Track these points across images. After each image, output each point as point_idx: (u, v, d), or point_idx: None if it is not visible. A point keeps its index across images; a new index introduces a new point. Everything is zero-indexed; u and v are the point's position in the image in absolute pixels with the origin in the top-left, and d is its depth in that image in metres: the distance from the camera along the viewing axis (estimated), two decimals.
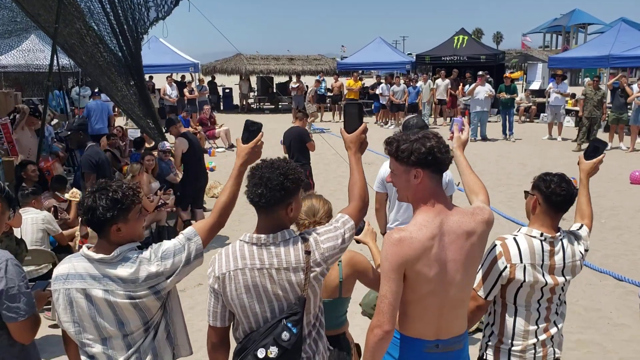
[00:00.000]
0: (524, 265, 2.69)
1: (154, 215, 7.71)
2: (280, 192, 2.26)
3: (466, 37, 22.95)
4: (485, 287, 2.73)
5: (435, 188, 2.43)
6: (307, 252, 2.30)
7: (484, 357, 2.86)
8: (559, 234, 2.78)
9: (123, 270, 2.32)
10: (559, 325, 2.85)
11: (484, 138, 16.23)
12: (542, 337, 2.77)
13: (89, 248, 2.41)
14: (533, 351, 2.76)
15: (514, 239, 2.75)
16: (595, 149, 3.08)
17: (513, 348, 2.77)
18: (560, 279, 2.76)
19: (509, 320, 2.78)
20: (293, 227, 2.54)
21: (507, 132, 16.25)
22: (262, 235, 2.31)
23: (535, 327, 2.77)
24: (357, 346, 3.15)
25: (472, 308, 2.71)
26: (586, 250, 2.89)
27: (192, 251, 2.43)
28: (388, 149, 2.47)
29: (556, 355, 2.85)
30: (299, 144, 7.92)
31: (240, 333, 2.38)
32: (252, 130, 2.61)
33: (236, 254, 2.32)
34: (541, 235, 2.74)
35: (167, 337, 2.51)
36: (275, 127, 15.65)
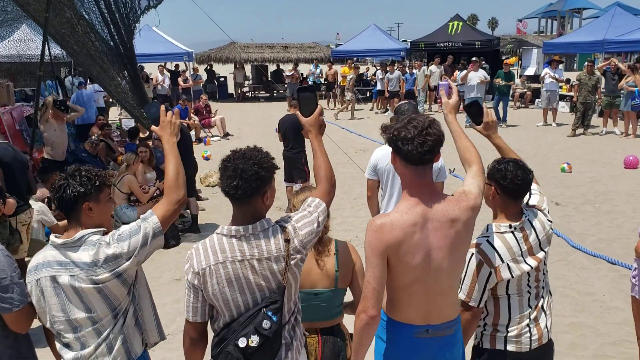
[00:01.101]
0: (507, 264, 2.68)
1: (149, 206, 7.69)
2: (256, 182, 2.24)
3: (461, 23, 22.89)
4: (476, 297, 2.71)
5: (414, 177, 2.41)
6: (287, 240, 2.29)
7: (480, 346, 2.86)
8: (524, 216, 2.78)
9: (84, 254, 2.34)
10: (546, 296, 2.86)
11: None
12: (534, 314, 2.79)
13: (56, 236, 2.42)
14: (528, 334, 2.76)
15: (487, 241, 2.72)
16: (475, 112, 2.99)
17: (509, 334, 2.77)
18: (541, 254, 2.77)
19: (504, 310, 2.78)
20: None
21: (501, 118, 16.18)
22: (241, 227, 2.28)
23: (529, 308, 2.78)
24: (352, 337, 3.17)
25: (468, 318, 2.71)
26: (549, 212, 2.90)
27: (149, 231, 2.41)
28: (383, 129, 2.50)
29: (550, 335, 2.87)
30: (294, 131, 7.92)
31: (219, 324, 2.36)
32: (154, 112, 2.65)
33: (215, 248, 2.29)
34: (510, 227, 2.72)
35: (135, 323, 2.52)
36: (271, 115, 15.65)
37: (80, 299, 2.36)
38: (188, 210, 7.83)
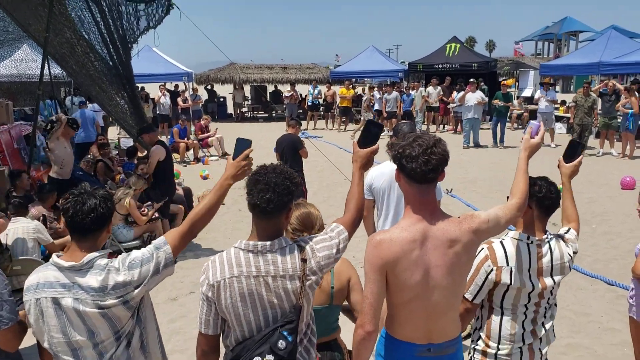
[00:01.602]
0: (510, 268, 2.70)
1: (146, 227, 7.63)
2: (287, 197, 2.28)
3: (458, 45, 23.06)
4: (472, 290, 2.75)
5: (417, 195, 2.42)
6: (304, 260, 2.30)
7: None
8: (545, 236, 2.80)
9: (92, 279, 2.29)
10: (547, 326, 2.85)
11: (477, 145, 16.27)
12: (529, 340, 2.78)
13: (58, 257, 2.37)
14: (519, 355, 2.76)
15: (501, 242, 2.77)
16: (573, 151, 3.08)
17: (499, 352, 2.77)
18: (549, 282, 2.77)
19: (495, 324, 2.79)
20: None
21: (499, 140, 16.23)
22: (259, 243, 2.29)
23: (522, 330, 2.77)
24: (350, 353, 3.16)
25: (461, 311, 2.71)
26: (575, 252, 2.89)
27: (161, 260, 2.38)
28: (389, 146, 2.52)
29: (545, 358, 2.85)
30: (291, 151, 7.93)
31: (231, 340, 2.36)
32: (241, 148, 2.64)
33: (231, 262, 2.29)
34: (528, 238, 2.75)
35: (141, 347, 2.48)
36: (269, 135, 15.69)
37: (83, 322, 2.32)
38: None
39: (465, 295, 2.74)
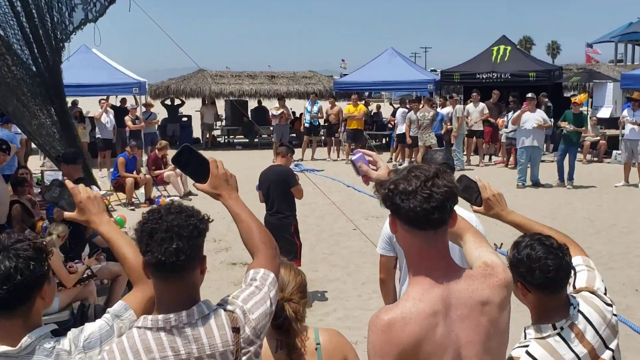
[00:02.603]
0: None
1: (77, 291, 7.55)
2: (198, 239, 2.27)
3: (509, 48, 23.33)
4: None
5: (424, 246, 2.37)
6: (235, 330, 2.29)
7: None
8: (571, 307, 2.79)
9: None
10: None
11: (536, 183, 16.30)
12: None
13: None
14: None
15: (527, 352, 2.73)
16: (468, 189, 3.11)
17: None
18: (607, 355, 2.77)
19: None
20: None
21: (566, 177, 16.18)
22: (172, 315, 2.25)
23: None
24: None
25: None
26: (605, 293, 2.91)
27: (125, 332, 2.37)
28: (378, 184, 2.50)
29: None
30: (281, 188, 7.83)
31: None
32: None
33: (136, 348, 2.23)
34: (554, 327, 2.74)
35: None
36: (250, 168, 15.74)
37: None
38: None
39: None
